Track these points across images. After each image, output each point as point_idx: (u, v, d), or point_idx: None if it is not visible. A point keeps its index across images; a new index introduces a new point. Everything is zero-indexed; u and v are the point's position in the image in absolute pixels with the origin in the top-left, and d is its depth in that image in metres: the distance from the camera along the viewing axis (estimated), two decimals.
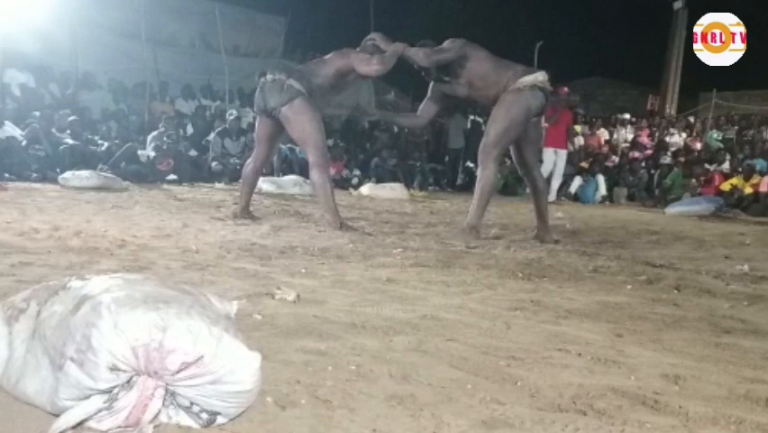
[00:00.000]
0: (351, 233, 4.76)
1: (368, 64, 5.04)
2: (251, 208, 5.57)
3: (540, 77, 4.85)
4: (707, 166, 11.36)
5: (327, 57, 5.31)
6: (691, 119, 16.65)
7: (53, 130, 8.77)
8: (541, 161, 11.35)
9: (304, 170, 9.33)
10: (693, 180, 10.68)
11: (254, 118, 5.86)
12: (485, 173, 4.95)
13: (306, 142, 5.20)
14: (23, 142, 8.08)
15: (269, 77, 5.11)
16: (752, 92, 17.67)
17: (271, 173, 9.10)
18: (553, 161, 10.45)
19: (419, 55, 4.99)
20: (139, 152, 9.11)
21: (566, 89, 10.79)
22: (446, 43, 4.97)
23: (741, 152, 12.53)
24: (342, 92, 5.54)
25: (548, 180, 10.90)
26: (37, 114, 8.93)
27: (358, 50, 5.19)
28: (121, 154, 8.66)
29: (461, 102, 5.72)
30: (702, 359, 2.05)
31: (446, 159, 12.55)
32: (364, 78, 5.46)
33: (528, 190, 5.64)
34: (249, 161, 5.64)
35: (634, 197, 11.39)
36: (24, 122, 8.75)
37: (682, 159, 12.06)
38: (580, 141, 14.28)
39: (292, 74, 5.08)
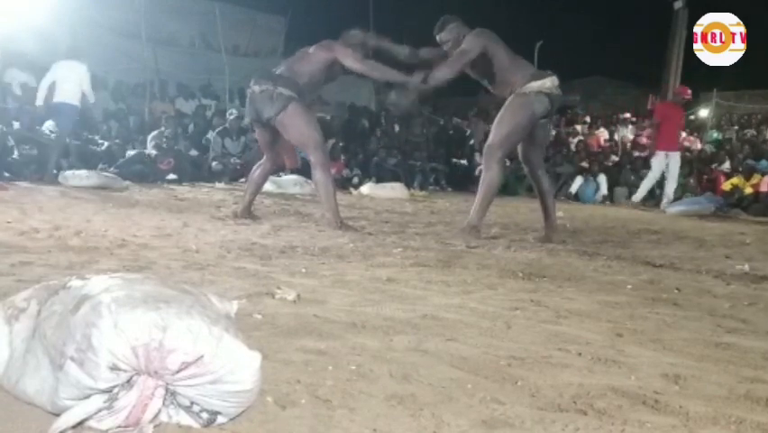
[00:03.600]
0: (351, 232, 4.76)
1: (354, 60, 4.95)
2: (251, 208, 5.56)
3: (548, 83, 4.84)
4: (715, 166, 11.36)
5: (311, 50, 5.19)
6: (703, 113, 16.56)
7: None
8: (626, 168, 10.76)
9: (303, 170, 9.36)
10: (691, 180, 10.68)
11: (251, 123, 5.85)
12: (489, 174, 4.96)
13: (306, 144, 5.20)
14: (11, 144, 8.08)
15: (255, 88, 5.08)
16: (752, 91, 17.69)
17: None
18: (663, 166, 9.73)
19: (446, 75, 4.87)
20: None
21: (689, 91, 10.00)
22: (468, 41, 4.86)
23: (741, 152, 12.54)
24: (330, 83, 5.45)
25: (647, 186, 10.11)
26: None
27: (340, 41, 5.11)
28: (130, 159, 8.66)
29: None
30: (702, 359, 2.05)
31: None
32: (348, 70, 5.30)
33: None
34: (259, 162, 5.61)
35: None
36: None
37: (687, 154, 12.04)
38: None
39: (278, 81, 5.03)
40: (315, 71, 5.08)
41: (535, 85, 4.81)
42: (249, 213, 5.44)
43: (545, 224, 5.17)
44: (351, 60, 4.97)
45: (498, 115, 4.97)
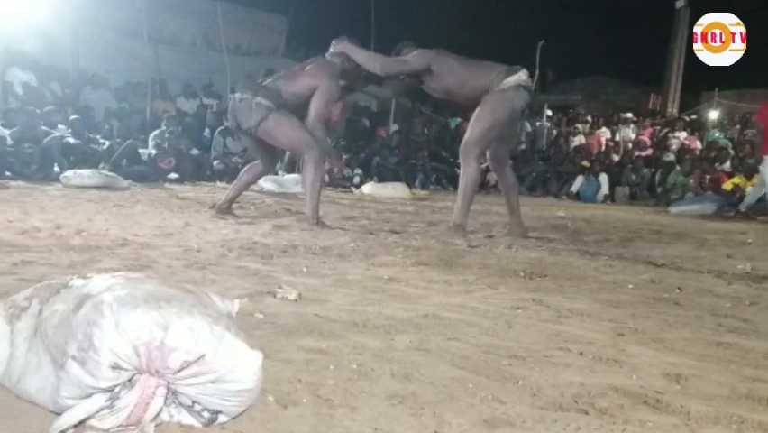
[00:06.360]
0: (327, 230, 4.76)
1: (315, 110, 5.08)
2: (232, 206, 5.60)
3: (523, 76, 4.88)
4: (716, 165, 11.30)
5: (307, 68, 5.30)
6: (713, 115, 16.44)
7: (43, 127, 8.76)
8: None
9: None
10: (692, 181, 10.66)
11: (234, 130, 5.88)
12: (467, 171, 4.97)
13: (298, 146, 5.22)
14: (10, 142, 8.09)
15: (237, 95, 5.15)
16: (754, 91, 17.67)
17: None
18: None
19: (375, 66, 5.04)
20: (140, 151, 9.14)
21: None
22: (411, 55, 4.99)
23: (742, 151, 12.52)
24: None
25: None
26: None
27: (327, 72, 5.16)
28: (122, 152, 8.67)
29: (444, 102, 5.74)
30: (704, 358, 2.05)
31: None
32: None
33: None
34: (253, 162, 5.63)
35: (636, 196, 11.40)
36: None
37: (687, 157, 12.01)
38: (581, 139, 14.30)
39: (259, 92, 5.08)
40: (299, 93, 5.14)
41: (512, 80, 4.82)
42: (229, 209, 5.46)
43: (510, 219, 5.22)
44: (314, 109, 5.07)
45: (476, 112, 4.94)
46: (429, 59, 4.94)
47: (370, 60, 5.07)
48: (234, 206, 5.73)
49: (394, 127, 13.01)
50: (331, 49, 5.31)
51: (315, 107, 5.08)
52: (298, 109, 5.14)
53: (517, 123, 5.31)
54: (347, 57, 5.20)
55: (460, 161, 5.11)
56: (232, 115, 5.23)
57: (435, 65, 4.93)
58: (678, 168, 11.30)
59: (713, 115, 16.26)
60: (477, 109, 4.92)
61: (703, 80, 16.33)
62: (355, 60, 5.12)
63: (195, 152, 9.99)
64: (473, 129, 4.92)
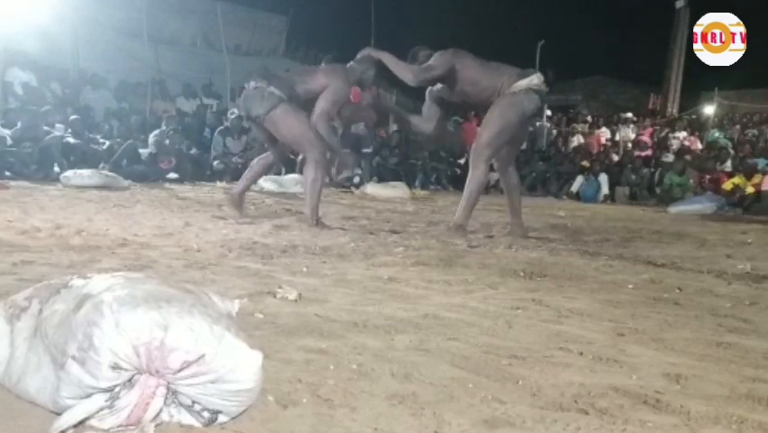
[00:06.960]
0: (326, 231, 4.76)
1: (320, 110, 5.09)
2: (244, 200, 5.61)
3: (535, 79, 4.86)
4: (718, 166, 11.28)
5: (321, 68, 5.33)
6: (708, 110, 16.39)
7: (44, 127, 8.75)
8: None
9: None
10: (691, 181, 10.65)
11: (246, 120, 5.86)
12: (475, 174, 4.97)
13: (300, 143, 5.20)
14: (10, 142, 8.10)
15: (251, 84, 5.16)
16: (754, 91, 17.68)
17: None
18: None
19: (408, 76, 5.03)
20: (140, 151, 9.13)
21: None
22: (434, 59, 4.97)
23: (742, 151, 12.51)
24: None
25: None
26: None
27: (340, 76, 5.16)
28: (122, 152, 8.67)
29: (458, 105, 5.73)
30: (704, 358, 2.05)
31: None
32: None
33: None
34: (264, 155, 5.66)
35: (635, 196, 11.38)
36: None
37: (689, 157, 11.98)
38: (580, 139, 14.30)
39: (273, 81, 5.09)
40: (311, 89, 5.15)
41: (524, 83, 4.82)
42: (242, 199, 5.50)
43: (511, 219, 5.22)
44: (320, 107, 5.09)
45: (487, 116, 4.96)
46: (451, 59, 4.94)
47: (403, 70, 5.05)
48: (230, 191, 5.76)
49: (394, 127, 12.99)
50: (359, 55, 5.32)
51: (321, 105, 5.08)
52: (306, 105, 5.14)
53: (527, 126, 5.31)
54: (369, 67, 5.22)
55: (470, 162, 5.12)
56: (243, 102, 5.26)
57: (458, 63, 4.93)
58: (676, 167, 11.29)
59: (708, 110, 16.25)
60: (488, 113, 4.94)
61: (703, 80, 16.33)
62: (387, 68, 5.12)
63: (195, 151, 9.98)
64: (483, 133, 4.93)
